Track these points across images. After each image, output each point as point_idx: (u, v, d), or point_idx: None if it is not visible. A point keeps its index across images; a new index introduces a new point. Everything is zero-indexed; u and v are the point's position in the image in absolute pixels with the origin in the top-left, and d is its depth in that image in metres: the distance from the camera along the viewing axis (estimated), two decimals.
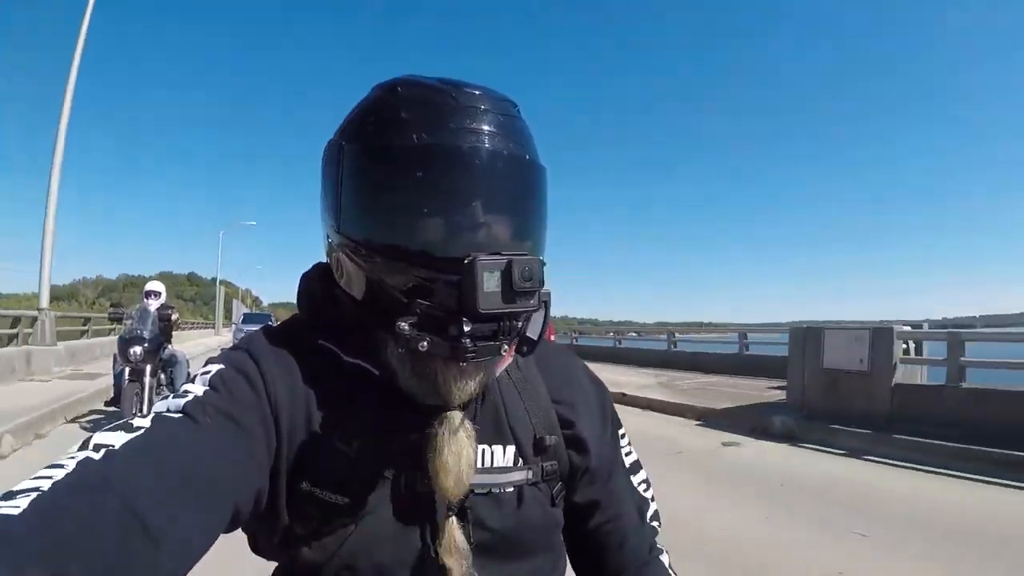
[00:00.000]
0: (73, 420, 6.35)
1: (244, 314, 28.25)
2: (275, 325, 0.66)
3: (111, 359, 6.24)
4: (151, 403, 5.46)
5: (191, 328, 30.41)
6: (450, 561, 0.57)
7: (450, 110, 0.56)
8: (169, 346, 6.08)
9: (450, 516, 0.58)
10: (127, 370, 5.53)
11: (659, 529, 0.76)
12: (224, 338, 27.94)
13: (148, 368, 5.52)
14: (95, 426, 6.16)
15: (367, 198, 0.58)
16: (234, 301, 48.15)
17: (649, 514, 0.75)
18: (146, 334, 5.59)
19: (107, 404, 6.42)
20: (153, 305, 5.94)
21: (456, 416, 0.57)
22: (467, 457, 0.56)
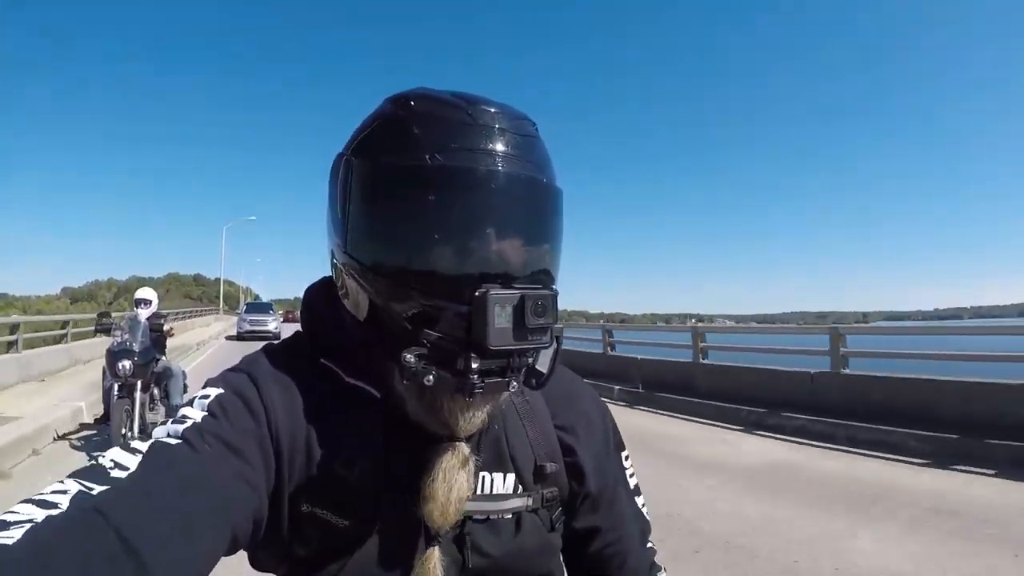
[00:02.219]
0: (63, 437, 5.83)
1: (247, 304, 30.30)
2: (278, 344, 0.64)
3: (94, 372, 5.72)
4: (142, 420, 5.01)
5: (197, 316, 32.38)
6: None
7: (465, 129, 0.53)
8: (162, 358, 5.57)
9: (433, 547, 0.57)
10: (116, 385, 5.01)
11: (656, 551, 0.75)
12: (227, 323, 30.37)
13: (139, 383, 5.01)
14: (85, 443, 5.69)
15: (375, 219, 0.55)
16: (240, 297, 53.98)
17: (649, 536, 0.75)
18: (136, 346, 5.07)
19: (96, 421, 5.91)
20: (144, 314, 5.43)
21: (462, 448, 0.56)
22: (459, 490, 0.55)
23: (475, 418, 0.55)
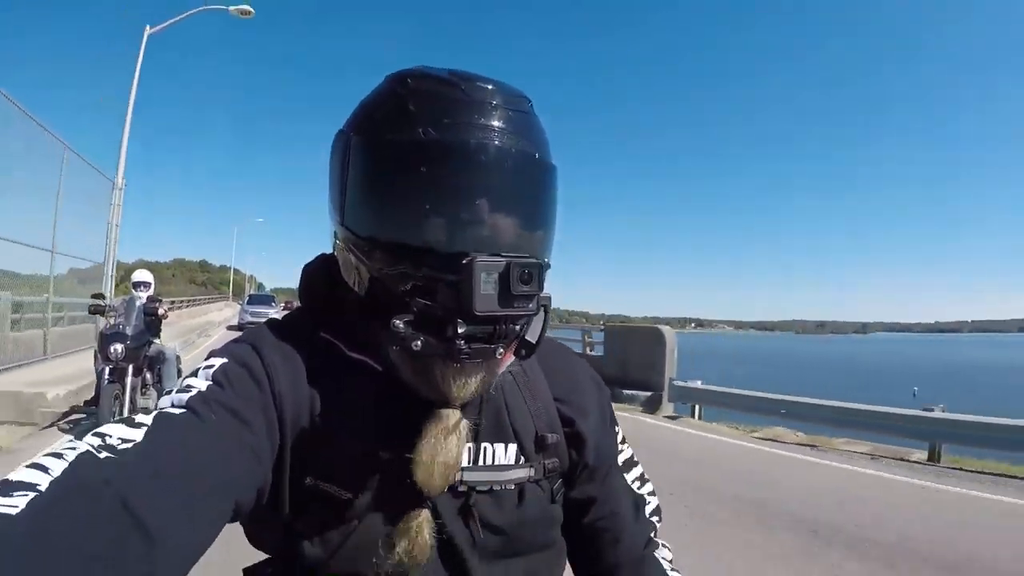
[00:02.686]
0: (52, 424, 5.66)
1: (250, 295, 31.69)
2: (279, 318, 0.64)
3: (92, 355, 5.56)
4: (132, 404, 4.86)
5: (212, 302, 38.66)
6: (411, 554, 0.56)
7: (459, 104, 0.54)
8: (156, 342, 5.41)
9: (423, 508, 0.57)
10: (107, 369, 4.84)
11: (659, 525, 0.74)
12: (233, 310, 33.00)
13: (130, 367, 4.86)
14: (74, 427, 5.54)
15: (370, 193, 0.56)
16: (246, 287, 56.76)
17: (649, 510, 0.74)
18: (129, 330, 4.92)
19: (87, 404, 5.76)
20: (141, 297, 5.25)
21: (450, 415, 0.56)
22: (447, 454, 0.55)
23: (468, 385, 0.55)
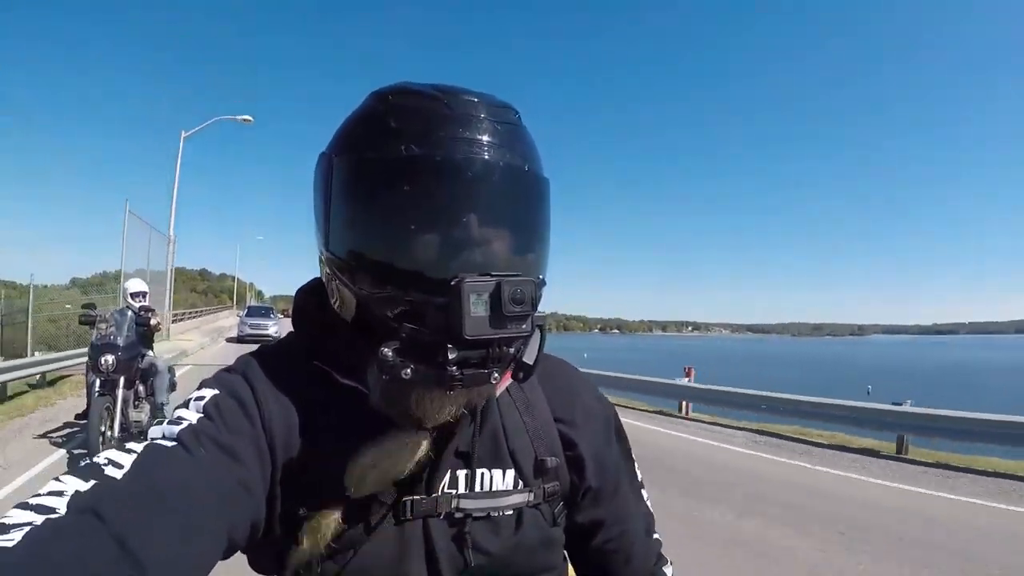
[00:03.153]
0: (43, 435, 5.52)
1: (248, 307, 31.63)
2: (271, 346, 0.63)
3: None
4: (124, 418, 4.73)
5: (219, 311, 42.28)
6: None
7: (443, 119, 0.51)
8: (149, 353, 5.27)
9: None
10: (98, 381, 4.71)
11: (661, 542, 0.73)
12: (234, 320, 34.05)
13: (122, 379, 4.72)
14: (66, 440, 5.39)
15: (353, 214, 0.54)
16: (247, 295, 59.43)
17: (655, 529, 0.73)
18: (120, 340, 4.78)
19: (78, 417, 5.61)
20: (137, 306, 5.13)
21: (411, 437, 0.54)
22: (384, 468, 0.53)
23: (444, 410, 0.53)
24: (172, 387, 5.46)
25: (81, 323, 5.33)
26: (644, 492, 0.72)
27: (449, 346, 0.47)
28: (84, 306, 5.45)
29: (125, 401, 4.80)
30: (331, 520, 0.53)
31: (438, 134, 0.50)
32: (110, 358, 4.64)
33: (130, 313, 4.98)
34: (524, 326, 0.49)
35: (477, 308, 0.46)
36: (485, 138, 0.51)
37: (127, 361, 4.75)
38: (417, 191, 0.50)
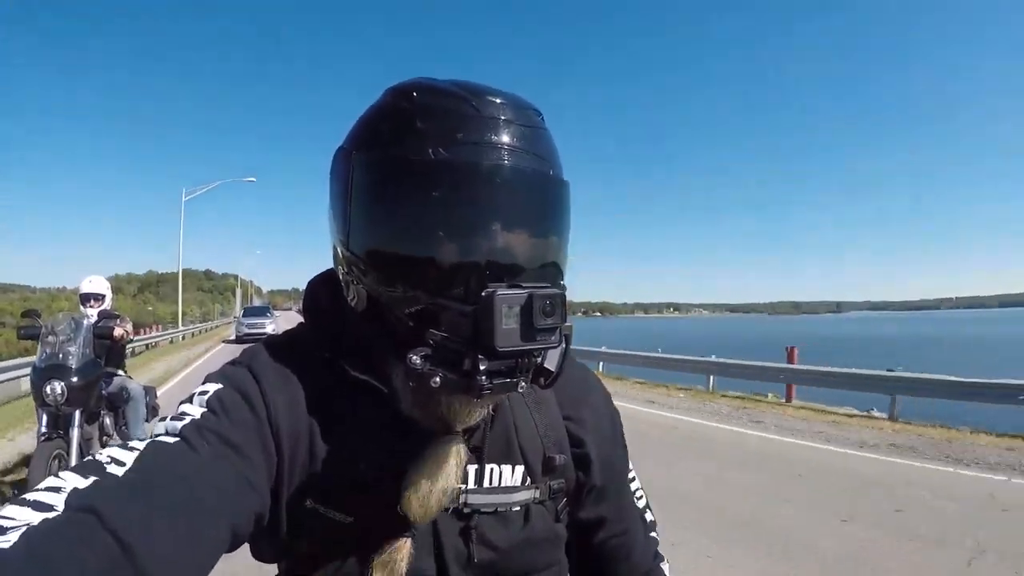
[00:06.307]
0: None
1: (245, 309, 29.99)
2: (279, 335, 0.61)
3: None
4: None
5: (221, 324, 40.39)
6: None
7: (470, 121, 0.50)
8: (119, 374, 3.84)
9: (406, 539, 0.54)
10: (44, 418, 3.26)
11: (658, 540, 0.74)
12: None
13: (77, 414, 3.27)
14: None
15: (378, 216, 0.52)
16: (245, 291, 60.37)
17: (653, 527, 0.74)
18: (73, 361, 3.30)
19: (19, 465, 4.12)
20: (91, 314, 3.65)
21: (455, 442, 0.54)
22: (443, 483, 0.53)
23: (473, 415, 0.53)
24: (154, 413, 4.03)
25: (21, 338, 3.74)
26: (638, 490, 0.73)
27: (480, 356, 0.46)
28: (25, 314, 3.71)
29: (87, 441, 3.38)
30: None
31: (467, 137, 0.49)
32: (58, 385, 3.17)
33: (86, 322, 3.49)
34: (553, 337, 0.48)
35: (508, 320, 0.46)
36: (512, 142, 0.50)
37: (83, 388, 3.28)
38: (447, 197, 0.48)
